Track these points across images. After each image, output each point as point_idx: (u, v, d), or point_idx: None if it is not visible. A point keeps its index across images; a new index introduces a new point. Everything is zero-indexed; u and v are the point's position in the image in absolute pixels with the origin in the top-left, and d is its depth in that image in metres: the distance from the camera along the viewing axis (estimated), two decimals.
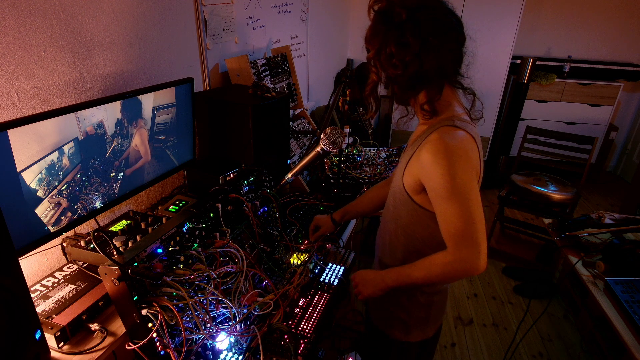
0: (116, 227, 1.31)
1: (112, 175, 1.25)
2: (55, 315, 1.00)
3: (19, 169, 0.96)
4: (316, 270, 1.31)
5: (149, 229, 1.31)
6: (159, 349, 0.91)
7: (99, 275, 0.92)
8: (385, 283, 1.12)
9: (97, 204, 1.22)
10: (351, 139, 2.37)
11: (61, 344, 0.97)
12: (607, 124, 4.29)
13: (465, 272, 0.96)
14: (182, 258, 1.06)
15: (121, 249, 1.15)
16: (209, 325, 0.98)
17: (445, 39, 0.93)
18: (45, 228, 1.07)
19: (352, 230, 1.76)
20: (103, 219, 1.42)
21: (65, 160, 1.08)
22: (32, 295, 1.02)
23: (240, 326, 1.04)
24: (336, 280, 1.28)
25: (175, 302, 0.94)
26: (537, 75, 4.22)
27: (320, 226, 1.47)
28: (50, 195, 1.06)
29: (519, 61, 3.94)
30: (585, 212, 3.86)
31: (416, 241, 1.14)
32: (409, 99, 1.04)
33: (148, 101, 1.33)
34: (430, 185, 0.98)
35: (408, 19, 0.91)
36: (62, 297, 1.06)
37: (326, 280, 1.28)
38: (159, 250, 1.01)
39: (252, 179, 1.41)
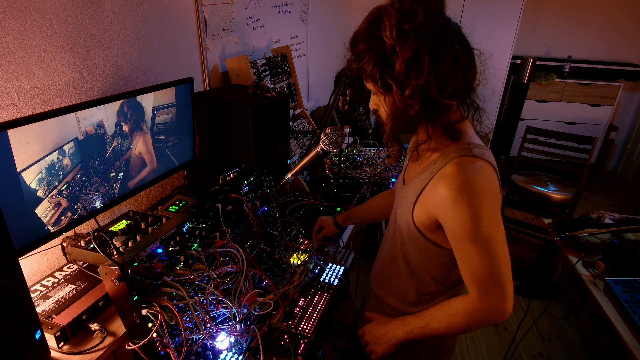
0: (116, 227, 1.31)
1: (112, 175, 1.25)
2: (55, 315, 1.00)
3: (19, 169, 0.96)
4: (316, 270, 1.31)
5: (149, 229, 1.31)
6: (159, 349, 0.91)
7: (99, 275, 0.92)
8: (397, 338, 1.01)
9: (97, 204, 1.22)
10: (351, 139, 2.37)
11: (61, 344, 0.97)
12: (607, 124, 4.29)
13: (491, 321, 0.88)
14: (182, 258, 1.06)
15: (121, 249, 1.15)
16: (209, 325, 0.98)
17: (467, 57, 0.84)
18: (45, 228, 1.07)
19: (352, 230, 1.76)
20: (103, 219, 1.41)
21: (65, 160, 1.08)
22: (32, 295, 1.02)
23: (240, 326, 1.04)
24: (336, 280, 1.28)
25: (175, 302, 0.94)
26: (537, 75, 4.22)
27: (324, 227, 1.47)
28: (50, 195, 1.06)
29: (519, 61, 3.94)
30: (585, 212, 3.86)
31: (429, 280, 1.04)
32: (420, 126, 0.91)
33: (148, 101, 1.33)
34: (451, 226, 0.87)
35: (445, 38, 0.79)
36: (62, 297, 1.06)
37: (326, 280, 1.28)
38: (159, 250, 1.01)
39: (252, 179, 1.41)
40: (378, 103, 0.92)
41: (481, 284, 0.86)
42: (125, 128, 1.27)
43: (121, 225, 1.33)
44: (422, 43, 0.77)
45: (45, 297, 1.06)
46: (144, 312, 0.90)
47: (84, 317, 1.02)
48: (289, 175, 1.45)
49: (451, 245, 0.90)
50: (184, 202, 1.51)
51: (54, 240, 1.14)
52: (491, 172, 0.87)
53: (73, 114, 1.07)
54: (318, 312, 1.15)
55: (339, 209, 1.77)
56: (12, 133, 0.92)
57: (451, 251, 0.92)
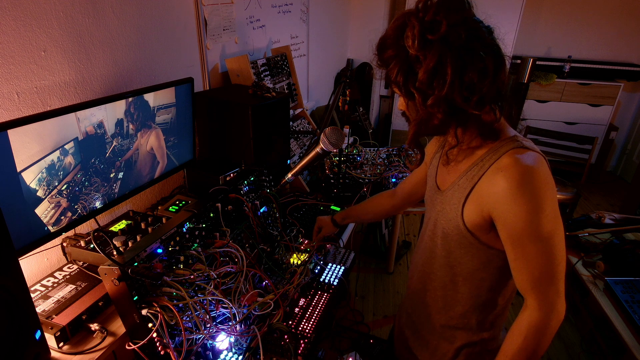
0: (116, 227, 1.31)
1: (112, 175, 1.25)
2: (55, 315, 1.00)
3: (19, 169, 0.96)
4: (316, 270, 1.31)
5: (149, 229, 1.31)
6: (159, 349, 0.91)
7: (99, 275, 0.92)
8: None
9: (97, 204, 1.22)
10: (351, 139, 2.37)
11: (61, 344, 0.97)
12: (607, 124, 4.29)
13: (555, 325, 0.82)
14: (182, 258, 1.06)
15: (121, 249, 1.15)
16: (209, 325, 0.98)
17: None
18: (45, 228, 1.07)
19: (352, 230, 1.76)
20: (103, 219, 1.41)
21: (65, 160, 1.08)
22: (32, 295, 1.02)
23: (240, 326, 1.04)
24: (336, 280, 1.28)
25: (175, 302, 0.94)
26: (537, 75, 4.22)
27: (322, 227, 1.47)
28: (50, 195, 1.06)
29: (519, 61, 3.94)
30: (585, 212, 3.85)
31: (484, 290, 0.96)
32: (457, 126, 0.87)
33: (149, 100, 1.33)
34: (510, 222, 0.81)
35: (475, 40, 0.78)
36: (62, 297, 1.06)
37: (326, 280, 1.28)
38: (159, 250, 1.01)
39: (252, 179, 1.41)
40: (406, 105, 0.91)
41: (540, 285, 0.81)
42: (132, 126, 1.28)
43: (121, 225, 1.33)
44: (446, 53, 0.75)
45: (45, 297, 1.06)
46: (144, 312, 0.90)
47: (84, 317, 1.02)
48: (289, 175, 1.45)
49: (506, 243, 0.84)
50: (184, 202, 1.51)
51: (54, 240, 1.14)
52: (546, 164, 0.83)
53: (73, 114, 1.07)
54: (318, 312, 1.15)
55: (333, 207, 1.77)
56: (12, 133, 0.92)
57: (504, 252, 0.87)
